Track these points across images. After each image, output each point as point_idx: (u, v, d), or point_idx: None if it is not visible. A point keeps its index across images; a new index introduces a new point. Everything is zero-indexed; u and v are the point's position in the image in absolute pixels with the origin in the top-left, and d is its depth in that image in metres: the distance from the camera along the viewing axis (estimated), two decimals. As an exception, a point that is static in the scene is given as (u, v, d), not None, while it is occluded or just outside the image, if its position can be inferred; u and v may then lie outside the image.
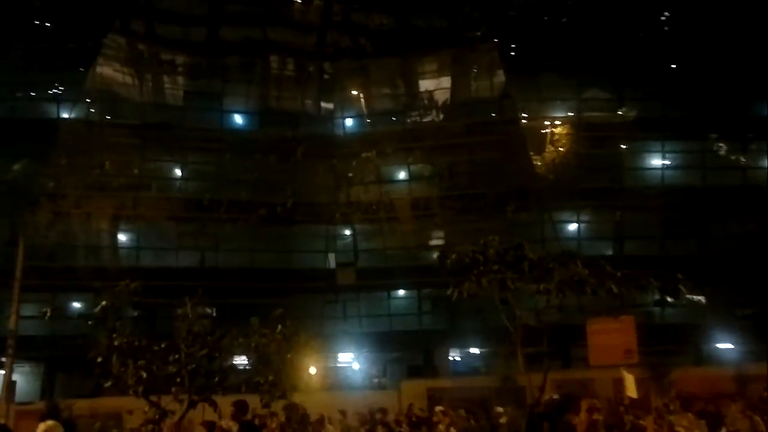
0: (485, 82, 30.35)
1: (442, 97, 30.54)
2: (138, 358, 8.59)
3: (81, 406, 15.85)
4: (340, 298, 27.57)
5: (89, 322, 9.46)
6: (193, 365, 8.84)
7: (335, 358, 28.05)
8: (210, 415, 9.93)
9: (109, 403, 15.82)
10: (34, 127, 25.97)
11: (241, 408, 8.85)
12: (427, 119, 30.68)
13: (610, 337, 19.42)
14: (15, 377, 27.55)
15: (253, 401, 9.83)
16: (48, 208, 24.98)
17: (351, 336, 27.49)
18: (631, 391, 13.95)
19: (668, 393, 15.50)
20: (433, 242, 29.24)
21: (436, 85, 30.71)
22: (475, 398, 15.79)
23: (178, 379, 8.94)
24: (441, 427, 12.05)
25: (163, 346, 8.82)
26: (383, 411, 13.61)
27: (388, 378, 28.39)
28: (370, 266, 28.08)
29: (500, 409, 13.12)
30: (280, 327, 9.72)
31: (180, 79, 28.87)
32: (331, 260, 28.41)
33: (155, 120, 27.27)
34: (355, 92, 30.75)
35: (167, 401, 9.08)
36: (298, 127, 28.70)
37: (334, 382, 26.62)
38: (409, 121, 30.34)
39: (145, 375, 8.47)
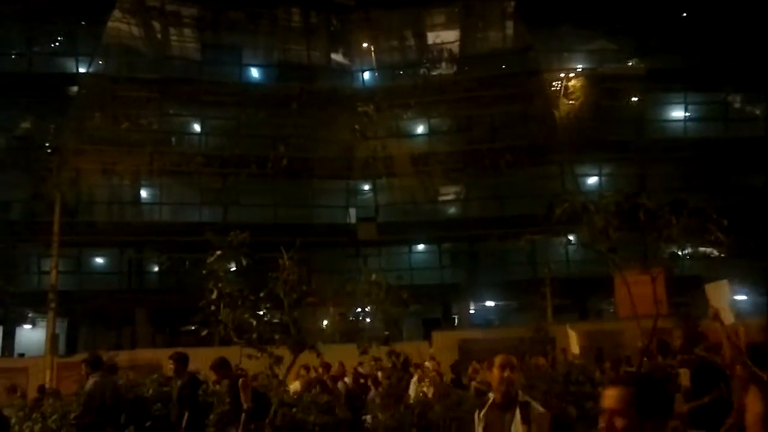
0: (500, 33, 29.83)
1: (458, 49, 30.06)
2: (238, 307, 8.76)
3: (121, 358, 16.10)
4: (360, 252, 27.71)
5: (195, 273, 9.52)
6: (296, 314, 8.98)
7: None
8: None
9: (145, 354, 16.14)
10: (52, 82, 25.77)
11: (181, 360, 8.82)
12: (444, 72, 30.28)
13: (640, 288, 19.63)
14: (39, 331, 28.10)
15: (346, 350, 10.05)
16: (68, 163, 24.97)
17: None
18: (574, 347, 14.07)
19: (699, 345, 15.58)
20: (453, 197, 29.25)
21: (453, 37, 30.20)
22: (505, 349, 15.92)
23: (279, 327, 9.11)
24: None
25: (261, 295, 8.98)
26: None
27: (404, 331, 28.70)
28: (390, 221, 28.13)
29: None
30: (374, 275, 9.85)
31: (197, 33, 28.39)
32: (352, 215, 28.46)
33: (173, 75, 26.95)
34: (372, 45, 30.27)
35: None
36: (316, 81, 28.37)
37: (346, 333, 26.93)
38: (428, 73, 29.93)
39: (255, 323, 8.65)
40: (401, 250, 28.41)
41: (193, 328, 26.47)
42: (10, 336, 27.05)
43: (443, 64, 30.32)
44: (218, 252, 8.80)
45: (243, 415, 7.99)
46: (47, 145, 24.66)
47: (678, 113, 29.51)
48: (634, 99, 29.49)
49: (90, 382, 8.49)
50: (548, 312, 21.07)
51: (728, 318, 6.57)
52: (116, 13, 26.31)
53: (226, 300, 8.50)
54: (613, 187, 28.63)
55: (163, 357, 18.27)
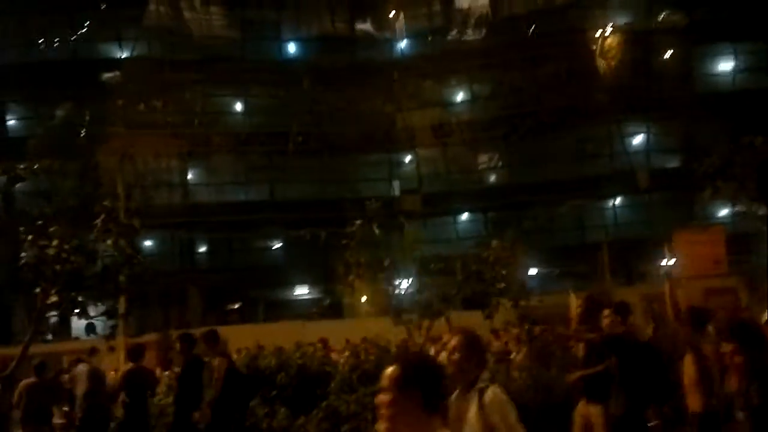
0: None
1: (492, 11, 29.53)
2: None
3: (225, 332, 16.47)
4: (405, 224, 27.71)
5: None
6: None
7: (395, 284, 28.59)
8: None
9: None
10: (97, 69, 26.15)
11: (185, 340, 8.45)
12: (480, 36, 29.76)
13: (699, 248, 19.36)
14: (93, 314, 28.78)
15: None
16: (116, 148, 25.41)
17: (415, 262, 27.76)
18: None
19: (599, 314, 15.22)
20: (495, 164, 29.01)
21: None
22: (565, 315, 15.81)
23: None
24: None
25: (386, 264, 9.30)
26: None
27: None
28: (433, 191, 28.07)
29: None
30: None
31: (234, 11, 28.31)
32: (396, 188, 28.48)
33: (213, 54, 26.99)
34: (405, 13, 29.91)
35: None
36: (354, 53, 28.27)
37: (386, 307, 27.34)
38: (463, 38, 29.49)
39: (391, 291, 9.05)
40: (446, 220, 28.36)
41: (236, 306, 26.94)
42: (65, 320, 27.91)
43: (479, 28, 29.81)
44: (358, 221, 9.02)
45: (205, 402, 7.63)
46: (83, 131, 25.25)
47: (725, 66, 28.58)
48: (674, 53, 28.60)
49: None
50: (607, 276, 20.89)
51: None
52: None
53: (362, 270, 8.67)
54: (661, 147, 28.14)
55: (224, 333, 18.86)
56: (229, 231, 26.63)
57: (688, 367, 5.37)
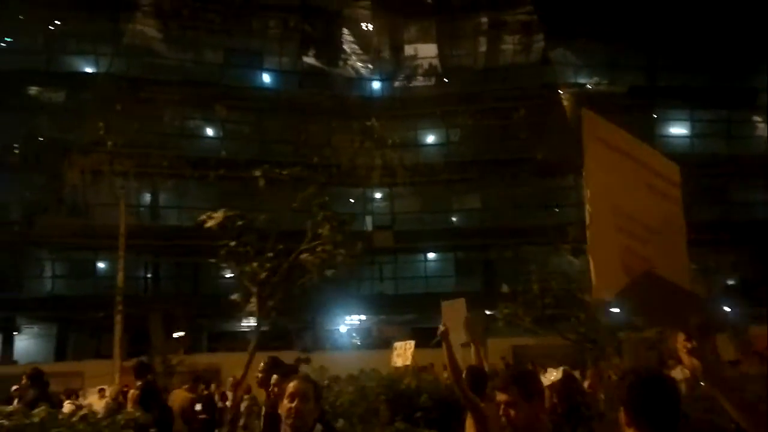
0: (517, 47, 30.48)
1: (480, 60, 30.62)
2: None
3: (187, 362, 15.82)
4: (376, 260, 27.73)
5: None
6: None
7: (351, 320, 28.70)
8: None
9: (202, 359, 16.00)
10: (70, 81, 25.34)
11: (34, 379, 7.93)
12: (460, 82, 30.70)
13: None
14: (27, 339, 27.29)
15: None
16: (83, 165, 24.53)
17: (385, 298, 27.88)
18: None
19: (748, 349, 15.87)
20: (468, 206, 29.60)
21: (472, 48, 30.73)
22: (559, 356, 16.13)
23: None
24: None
25: None
26: None
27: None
28: (405, 229, 28.29)
29: None
30: None
31: (219, 38, 28.22)
32: (368, 223, 28.55)
33: (193, 78, 26.72)
34: (391, 53, 30.60)
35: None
36: (335, 88, 28.52)
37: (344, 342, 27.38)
38: (446, 81, 30.34)
39: None
40: (416, 258, 28.58)
41: (178, 335, 26.07)
42: (8, 343, 26.36)
43: (432, 77, 30.81)
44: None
45: None
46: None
47: (685, 129, 30.45)
48: (636, 115, 30.21)
49: None
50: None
51: (460, 338, 5.55)
52: (137, 15, 26.07)
53: None
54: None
55: (219, 361, 18.38)
56: (196, 257, 25.96)
57: (469, 428, 5.00)
